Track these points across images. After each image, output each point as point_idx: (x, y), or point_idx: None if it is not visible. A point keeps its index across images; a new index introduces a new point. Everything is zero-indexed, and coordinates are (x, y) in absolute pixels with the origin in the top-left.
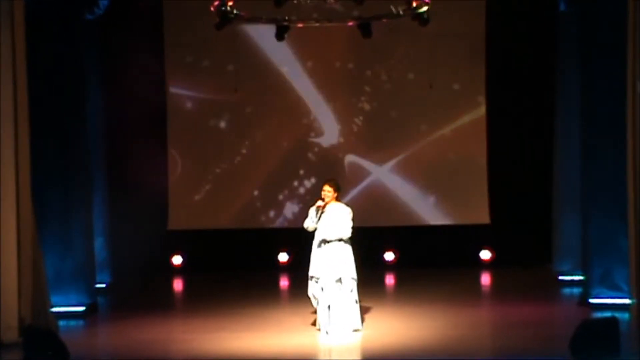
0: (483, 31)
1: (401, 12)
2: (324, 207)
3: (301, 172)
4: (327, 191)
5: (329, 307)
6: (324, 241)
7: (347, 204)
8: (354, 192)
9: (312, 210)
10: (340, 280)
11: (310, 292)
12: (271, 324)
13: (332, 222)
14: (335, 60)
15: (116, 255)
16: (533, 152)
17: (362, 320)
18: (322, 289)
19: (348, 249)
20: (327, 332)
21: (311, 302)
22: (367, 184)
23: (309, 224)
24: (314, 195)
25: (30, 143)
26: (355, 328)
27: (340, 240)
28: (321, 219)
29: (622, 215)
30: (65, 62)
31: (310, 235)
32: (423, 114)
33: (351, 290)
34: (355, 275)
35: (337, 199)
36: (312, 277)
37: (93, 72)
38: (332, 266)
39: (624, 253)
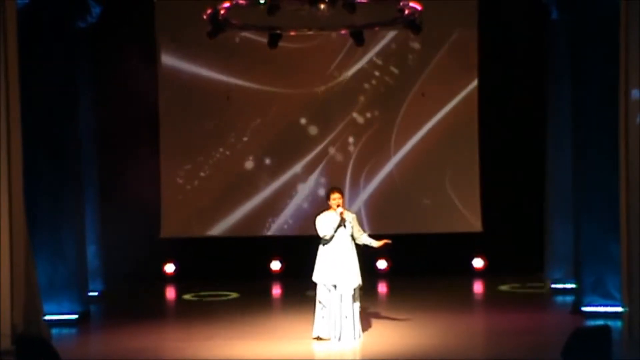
0: (475, 39)
1: (394, 20)
2: (342, 214)
3: (294, 180)
4: (339, 198)
5: (346, 315)
6: (350, 249)
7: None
8: (345, 201)
9: (326, 218)
10: (357, 288)
11: (321, 298)
12: (264, 332)
13: (358, 229)
14: (326, 69)
15: (109, 263)
16: (525, 159)
17: (364, 327)
18: (340, 296)
19: (357, 256)
20: (337, 339)
21: (314, 309)
22: (359, 193)
23: (329, 232)
24: (309, 203)
25: (22, 151)
26: (359, 335)
27: (357, 247)
28: (345, 226)
29: (614, 223)
30: (57, 70)
31: (304, 242)
32: (415, 123)
33: (358, 298)
34: (361, 282)
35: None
36: (325, 284)
37: (85, 80)
38: (352, 274)
39: (616, 261)
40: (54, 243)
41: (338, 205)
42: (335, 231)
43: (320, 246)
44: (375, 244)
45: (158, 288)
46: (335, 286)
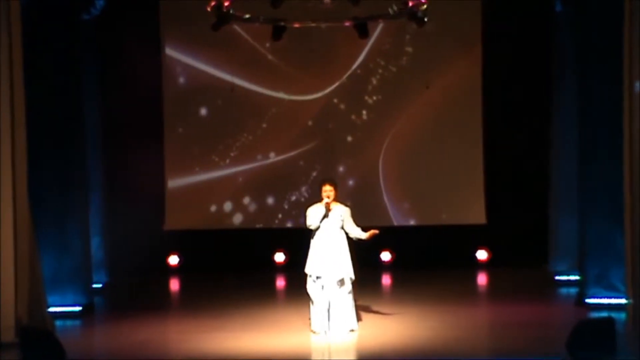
0: (479, 31)
1: (397, 12)
2: (328, 205)
3: (298, 172)
4: (330, 190)
5: (328, 307)
6: (335, 240)
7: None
8: (349, 192)
9: (316, 210)
10: (342, 280)
11: (309, 290)
12: (267, 324)
13: (348, 222)
14: (331, 61)
15: (113, 255)
16: (529, 151)
17: (359, 320)
18: (322, 287)
19: (348, 249)
20: (325, 332)
21: (310, 301)
22: (363, 184)
23: (314, 222)
24: (312, 195)
25: (27, 143)
26: (352, 328)
27: (347, 240)
28: (329, 218)
29: (619, 215)
30: (62, 63)
31: (307, 234)
32: (419, 115)
33: (349, 291)
34: (353, 276)
35: (336, 197)
36: (310, 275)
37: (90, 72)
38: (337, 266)
39: (620, 253)
40: (59, 235)
41: (327, 197)
42: (321, 222)
43: (311, 239)
44: (363, 235)
45: (162, 280)
46: (319, 277)
